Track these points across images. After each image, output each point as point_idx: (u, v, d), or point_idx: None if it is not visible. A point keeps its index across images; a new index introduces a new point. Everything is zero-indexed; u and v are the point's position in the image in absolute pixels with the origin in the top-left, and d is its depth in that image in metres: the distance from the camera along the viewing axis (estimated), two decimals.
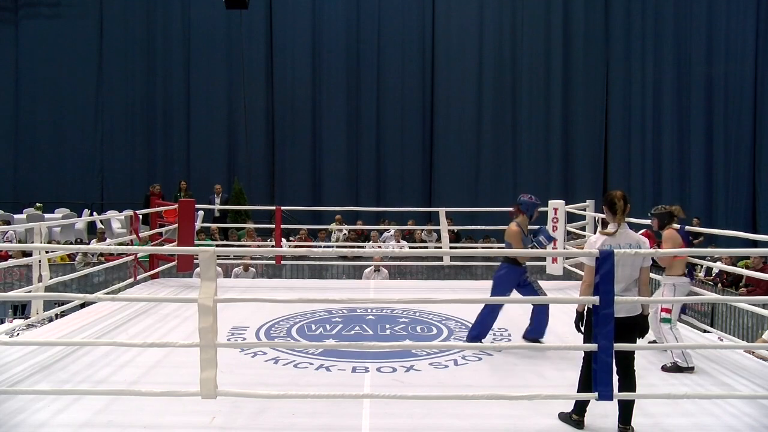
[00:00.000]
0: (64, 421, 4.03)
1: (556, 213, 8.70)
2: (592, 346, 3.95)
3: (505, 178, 17.79)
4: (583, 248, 8.62)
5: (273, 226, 10.03)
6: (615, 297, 3.89)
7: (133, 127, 18.00)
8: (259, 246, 11.43)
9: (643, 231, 5.57)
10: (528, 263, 8.59)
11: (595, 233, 5.91)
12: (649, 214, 5.89)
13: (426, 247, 12.55)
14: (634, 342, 4.05)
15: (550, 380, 4.85)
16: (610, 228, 4.11)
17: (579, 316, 4.19)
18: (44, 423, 3.99)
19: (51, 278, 6.38)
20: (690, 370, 5.04)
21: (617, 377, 4.01)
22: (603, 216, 6.98)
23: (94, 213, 15.19)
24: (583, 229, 9.05)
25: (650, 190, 17.56)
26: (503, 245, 7.21)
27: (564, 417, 4.12)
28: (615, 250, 3.89)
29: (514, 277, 5.84)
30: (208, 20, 17.55)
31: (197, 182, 15.85)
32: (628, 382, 4.02)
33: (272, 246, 10.09)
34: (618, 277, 3.92)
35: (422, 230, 13.35)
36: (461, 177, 17.77)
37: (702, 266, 11.22)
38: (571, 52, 17.70)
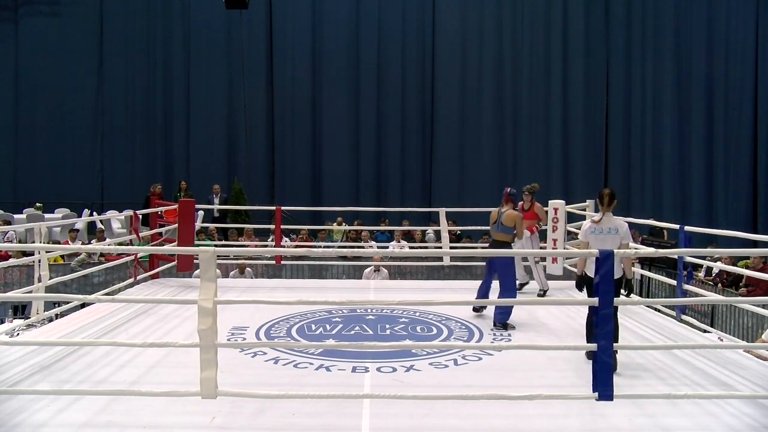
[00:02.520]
0: (64, 421, 4.03)
1: (556, 213, 8.68)
2: (592, 346, 3.96)
3: (505, 178, 17.77)
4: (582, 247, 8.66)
5: (273, 226, 10.04)
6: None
7: (133, 127, 17.99)
8: (258, 246, 11.43)
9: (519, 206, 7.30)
10: (525, 263, 8.95)
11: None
12: (525, 191, 7.73)
13: (426, 247, 12.54)
14: (618, 295, 5.01)
15: (550, 380, 4.85)
16: (596, 216, 5.29)
17: (579, 279, 5.39)
18: (44, 423, 3.98)
19: (51, 278, 6.38)
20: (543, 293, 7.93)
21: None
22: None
23: (94, 213, 15.17)
24: None
25: (650, 190, 17.58)
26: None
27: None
28: (599, 236, 5.12)
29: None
30: (208, 20, 17.54)
31: (197, 182, 15.85)
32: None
33: (272, 246, 10.09)
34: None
35: (423, 231, 13.36)
36: (461, 177, 17.77)
37: (702, 266, 11.23)
38: (572, 52, 17.71)
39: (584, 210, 9.06)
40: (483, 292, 6.84)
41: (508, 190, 6.77)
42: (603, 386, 3.91)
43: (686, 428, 4.04)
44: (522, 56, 17.77)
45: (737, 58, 17.22)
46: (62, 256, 11.80)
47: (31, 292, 6.24)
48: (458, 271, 11.38)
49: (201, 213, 13.39)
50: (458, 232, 13.23)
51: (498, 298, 6.57)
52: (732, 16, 17.22)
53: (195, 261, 8.80)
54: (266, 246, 11.46)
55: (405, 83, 17.91)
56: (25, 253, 8.78)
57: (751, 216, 16.83)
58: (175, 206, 8.93)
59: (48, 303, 6.68)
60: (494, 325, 6.43)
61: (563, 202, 8.86)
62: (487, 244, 12.82)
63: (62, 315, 7.07)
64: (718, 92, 17.34)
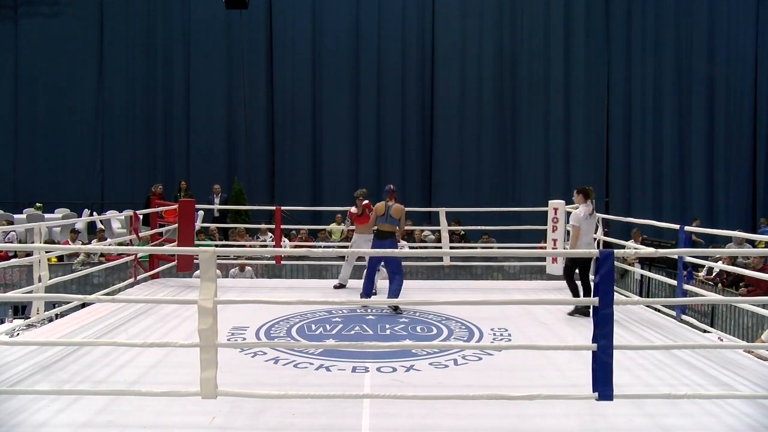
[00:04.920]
0: (64, 421, 4.03)
1: (556, 213, 8.68)
2: (593, 346, 3.97)
3: (505, 178, 17.80)
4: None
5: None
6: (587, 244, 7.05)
7: (133, 127, 18.00)
8: (255, 246, 11.43)
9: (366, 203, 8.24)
10: (527, 263, 9.21)
11: (595, 232, 7.65)
12: (360, 197, 8.23)
13: (426, 247, 12.53)
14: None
15: (550, 380, 4.85)
16: (590, 209, 7.00)
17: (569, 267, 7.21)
18: (44, 423, 3.98)
19: (51, 278, 6.38)
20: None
21: (583, 288, 7.00)
22: (603, 215, 8.11)
23: (94, 213, 15.18)
24: None
25: (650, 190, 17.59)
26: (502, 245, 8.00)
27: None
28: (589, 221, 6.95)
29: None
30: (208, 20, 17.56)
31: (197, 182, 15.85)
32: (587, 285, 6.94)
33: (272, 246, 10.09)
34: (588, 234, 7.04)
35: (422, 231, 13.35)
36: (461, 177, 17.77)
37: (703, 266, 11.24)
38: (572, 52, 17.71)
39: None
40: (370, 287, 7.46)
41: (392, 186, 7.62)
42: (603, 386, 3.91)
43: (686, 428, 4.04)
44: (522, 56, 17.77)
45: (737, 58, 17.23)
46: (59, 257, 11.79)
47: (31, 292, 6.24)
48: (458, 271, 11.39)
49: (201, 213, 13.40)
50: (462, 232, 13.22)
51: (391, 286, 7.22)
52: (732, 16, 17.23)
53: (195, 261, 8.81)
54: (265, 245, 11.47)
55: (405, 83, 17.92)
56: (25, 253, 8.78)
57: (751, 216, 16.84)
58: (175, 206, 8.93)
59: (48, 303, 6.68)
60: (388, 306, 7.13)
61: (563, 202, 8.86)
62: (487, 244, 12.91)
63: (62, 315, 7.07)
64: (718, 92, 17.36)
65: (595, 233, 7.42)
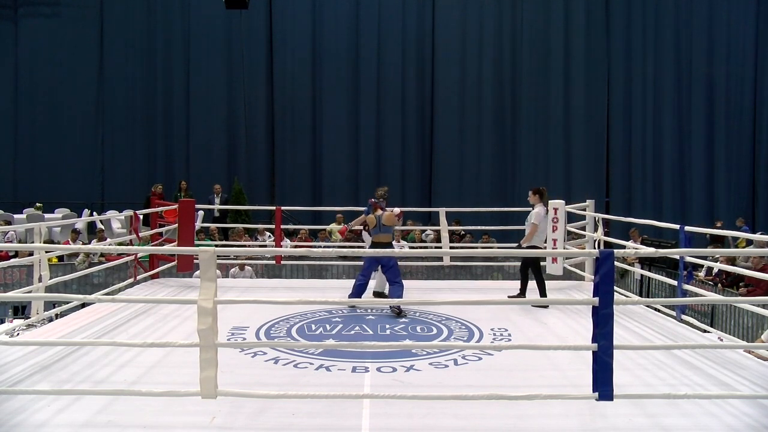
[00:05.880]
0: (64, 421, 4.03)
1: (556, 213, 8.66)
2: (593, 346, 3.97)
3: (505, 178, 17.81)
4: (583, 248, 8.68)
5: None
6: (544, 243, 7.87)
7: (133, 127, 18.01)
8: (254, 246, 11.44)
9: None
10: None
11: (595, 232, 7.87)
12: (377, 201, 7.73)
13: (426, 247, 12.54)
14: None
15: (550, 380, 4.85)
16: (544, 208, 7.71)
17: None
18: (44, 423, 3.98)
19: (51, 278, 6.38)
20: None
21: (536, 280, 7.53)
22: (603, 215, 8.24)
23: (94, 213, 15.18)
24: (583, 228, 9.04)
25: (651, 189, 17.60)
26: (502, 245, 8.08)
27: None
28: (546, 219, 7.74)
29: None
30: (208, 20, 17.57)
31: (197, 182, 15.86)
32: (539, 275, 7.54)
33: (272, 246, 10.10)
34: (544, 232, 7.81)
35: (422, 231, 13.35)
36: (461, 177, 17.78)
37: (703, 266, 11.24)
38: (572, 52, 17.72)
39: (584, 210, 9.05)
40: (362, 290, 7.36)
41: (373, 200, 7.58)
42: (603, 386, 3.91)
43: (686, 428, 4.04)
44: (522, 56, 17.78)
45: (737, 58, 17.24)
46: (59, 257, 11.79)
47: (31, 292, 6.24)
48: (458, 271, 11.39)
49: (201, 213, 13.40)
50: (462, 232, 13.23)
51: (391, 291, 7.21)
52: (732, 16, 17.24)
53: (195, 261, 8.81)
54: (264, 245, 11.48)
55: (405, 83, 17.93)
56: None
57: (751, 216, 16.85)
58: (175, 206, 8.93)
59: (48, 303, 6.68)
60: (390, 308, 7.09)
61: (563, 202, 8.84)
62: (487, 244, 12.93)
63: (62, 315, 7.07)
64: (718, 92, 17.37)
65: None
